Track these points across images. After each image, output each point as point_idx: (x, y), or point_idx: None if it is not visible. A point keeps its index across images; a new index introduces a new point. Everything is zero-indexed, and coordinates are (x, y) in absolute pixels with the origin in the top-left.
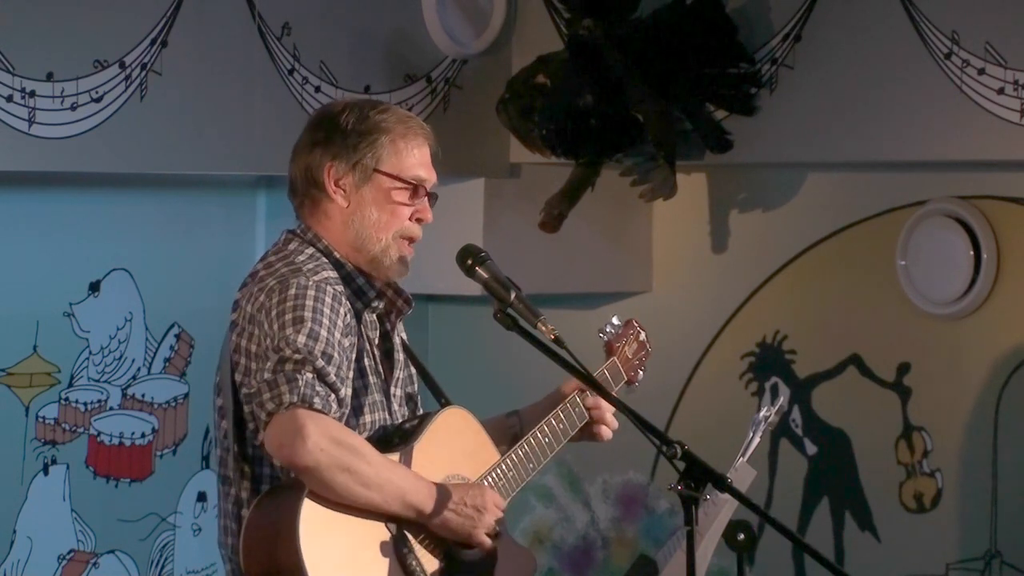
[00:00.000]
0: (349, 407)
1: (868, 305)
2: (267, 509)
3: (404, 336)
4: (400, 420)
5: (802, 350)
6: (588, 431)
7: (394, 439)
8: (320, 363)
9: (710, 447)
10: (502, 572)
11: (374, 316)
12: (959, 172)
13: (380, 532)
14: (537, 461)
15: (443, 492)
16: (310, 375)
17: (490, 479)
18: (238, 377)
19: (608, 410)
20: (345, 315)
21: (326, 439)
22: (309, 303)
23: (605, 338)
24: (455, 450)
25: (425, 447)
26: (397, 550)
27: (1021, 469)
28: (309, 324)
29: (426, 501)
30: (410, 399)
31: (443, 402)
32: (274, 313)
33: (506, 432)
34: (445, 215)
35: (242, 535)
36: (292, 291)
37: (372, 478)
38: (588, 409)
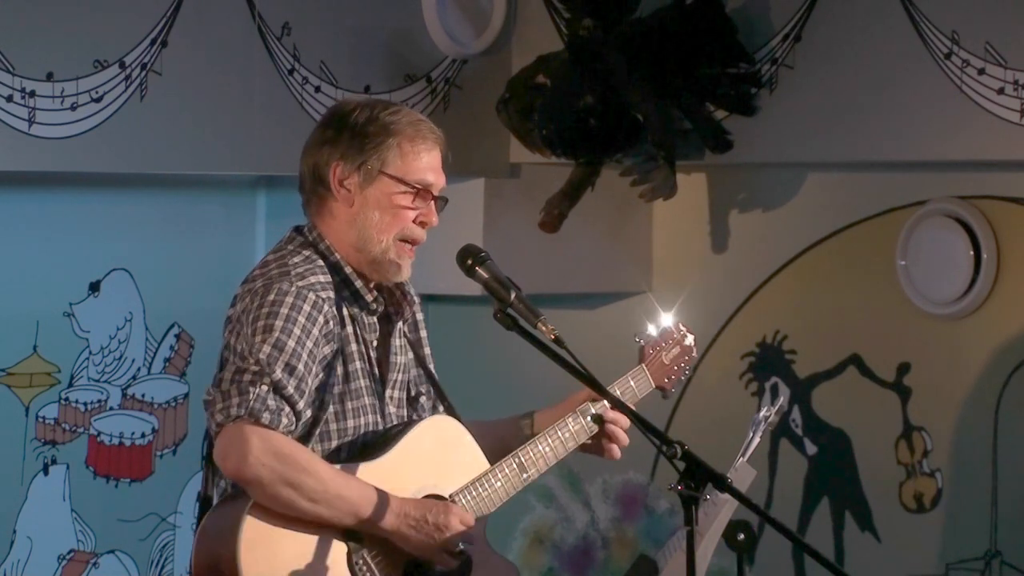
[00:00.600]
0: (331, 412)
1: (868, 305)
2: (215, 519)
3: (423, 335)
4: (395, 423)
5: (802, 350)
6: (598, 446)
7: (375, 446)
8: (278, 375)
9: (710, 447)
10: None
11: (374, 319)
12: (959, 172)
13: (333, 546)
14: (535, 470)
15: (402, 507)
16: (264, 388)
17: (467, 493)
18: None
19: (624, 425)
20: (327, 322)
21: (269, 454)
22: (283, 311)
23: (641, 342)
24: (433, 461)
25: (398, 457)
26: (350, 564)
27: (1021, 469)
28: (277, 334)
29: (382, 516)
30: (413, 402)
31: (444, 407)
32: (251, 317)
33: (517, 434)
34: (445, 215)
35: (194, 543)
36: (271, 296)
37: (319, 493)
38: (604, 423)
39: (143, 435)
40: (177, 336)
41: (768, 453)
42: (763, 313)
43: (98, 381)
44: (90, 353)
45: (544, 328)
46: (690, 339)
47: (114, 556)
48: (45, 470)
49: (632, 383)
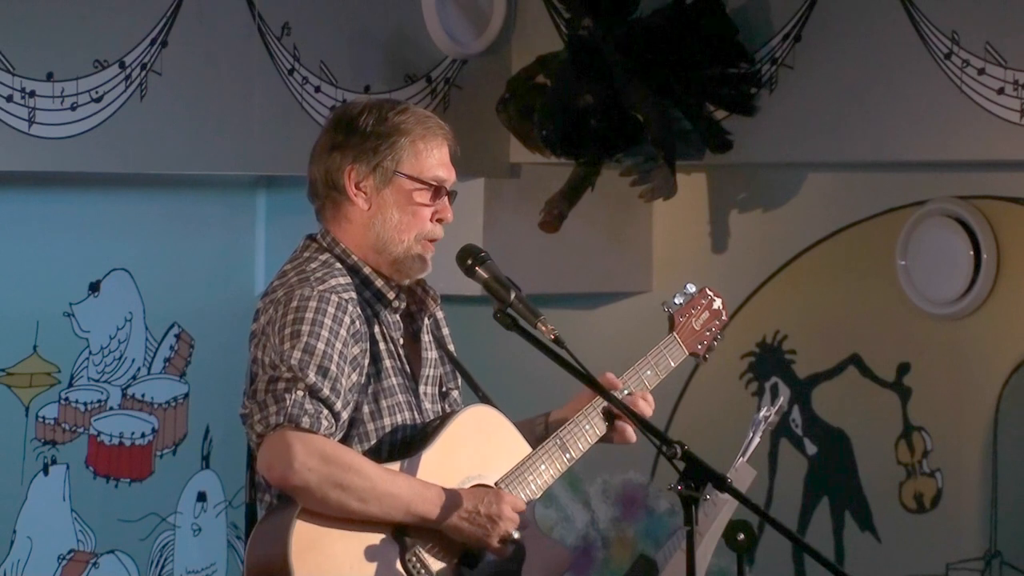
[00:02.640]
0: (366, 412)
1: (868, 305)
2: (264, 529)
3: (446, 332)
4: (432, 418)
5: (802, 350)
6: (615, 431)
7: (415, 442)
8: (312, 379)
9: (710, 447)
10: (530, 570)
11: (397, 316)
12: (959, 172)
13: (386, 543)
14: (576, 450)
15: (453, 499)
16: (300, 393)
17: (515, 478)
18: None
19: (644, 413)
20: (353, 322)
21: (314, 458)
22: (309, 315)
23: (669, 311)
24: (477, 449)
25: (441, 449)
26: (404, 560)
27: (1021, 469)
28: (305, 338)
29: (433, 509)
30: (445, 396)
31: (480, 397)
32: (277, 326)
33: (539, 432)
34: None
35: (244, 556)
36: (294, 303)
37: (368, 492)
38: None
39: (143, 435)
40: (177, 336)
41: (768, 453)
42: (763, 313)
43: (98, 381)
44: (90, 353)
45: (544, 328)
46: (718, 302)
47: (114, 556)
48: (45, 470)
49: (665, 353)
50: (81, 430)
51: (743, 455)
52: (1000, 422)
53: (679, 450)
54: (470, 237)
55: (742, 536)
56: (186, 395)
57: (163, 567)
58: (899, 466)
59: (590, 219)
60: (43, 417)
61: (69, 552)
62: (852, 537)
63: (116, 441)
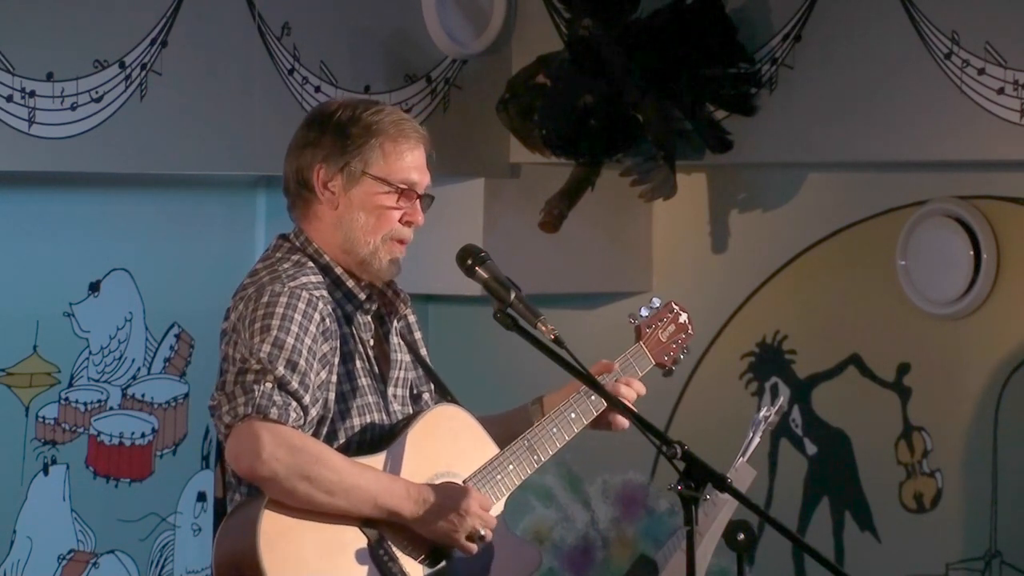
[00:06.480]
0: (334, 411)
1: (868, 305)
2: (233, 520)
3: (418, 336)
4: (401, 419)
5: (802, 350)
6: (605, 420)
7: (383, 440)
8: (281, 371)
9: (710, 447)
10: (499, 569)
11: (368, 317)
12: (959, 172)
13: (355, 536)
14: (544, 453)
15: (422, 494)
16: (269, 385)
17: (483, 477)
18: None
19: (627, 399)
20: (323, 320)
21: (282, 448)
22: (279, 310)
23: (635, 322)
24: (445, 448)
25: (409, 447)
26: (373, 553)
27: (1021, 469)
28: (275, 332)
29: (401, 503)
30: (417, 399)
31: (448, 400)
32: (247, 321)
33: (528, 421)
34: (445, 215)
35: (213, 550)
36: (264, 299)
37: (336, 484)
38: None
39: (143, 435)
40: (177, 336)
41: (768, 453)
42: (763, 313)
43: (98, 381)
44: (90, 353)
45: (544, 328)
46: (684, 316)
47: (114, 556)
48: (45, 470)
49: (632, 361)
50: (81, 430)
51: (743, 455)
52: (1000, 422)
53: (679, 450)
54: (470, 237)
55: (742, 536)
56: (186, 395)
57: (163, 567)
58: (899, 466)
59: (590, 219)
60: (43, 417)
61: (69, 552)
62: (852, 537)
63: (116, 441)
